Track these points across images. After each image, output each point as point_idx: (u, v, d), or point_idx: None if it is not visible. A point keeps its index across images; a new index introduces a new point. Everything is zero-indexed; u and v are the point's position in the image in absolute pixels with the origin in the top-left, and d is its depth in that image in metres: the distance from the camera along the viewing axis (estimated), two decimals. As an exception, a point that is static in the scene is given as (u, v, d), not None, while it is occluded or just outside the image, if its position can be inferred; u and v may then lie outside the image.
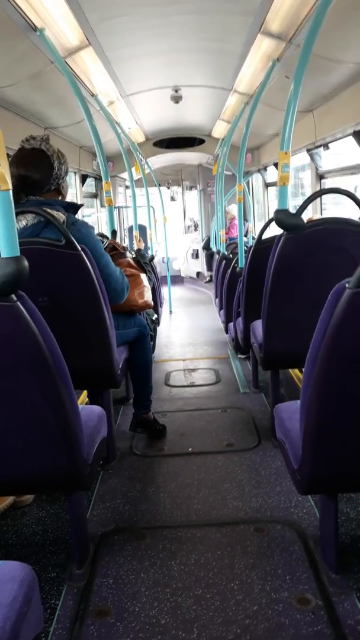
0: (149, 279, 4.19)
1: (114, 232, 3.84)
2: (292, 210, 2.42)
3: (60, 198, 2.31)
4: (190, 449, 2.86)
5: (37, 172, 2.18)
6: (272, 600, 1.70)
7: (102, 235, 3.76)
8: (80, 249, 2.09)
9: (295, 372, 3.94)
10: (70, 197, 6.15)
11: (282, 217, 2.35)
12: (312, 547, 1.95)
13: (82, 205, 2.38)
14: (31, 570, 1.18)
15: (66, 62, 3.26)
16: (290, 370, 3.96)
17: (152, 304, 3.07)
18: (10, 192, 1.35)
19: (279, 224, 2.36)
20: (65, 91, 3.43)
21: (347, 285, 1.29)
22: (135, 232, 5.05)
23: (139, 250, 4.66)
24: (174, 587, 1.80)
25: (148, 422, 3.08)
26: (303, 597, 1.70)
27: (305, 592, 1.73)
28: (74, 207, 2.29)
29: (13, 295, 1.38)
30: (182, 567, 1.89)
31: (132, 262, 2.98)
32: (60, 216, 2.15)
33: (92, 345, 2.34)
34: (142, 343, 2.95)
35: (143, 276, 2.98)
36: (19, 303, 1.39)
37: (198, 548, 1.99)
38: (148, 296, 2.97)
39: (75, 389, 1.67)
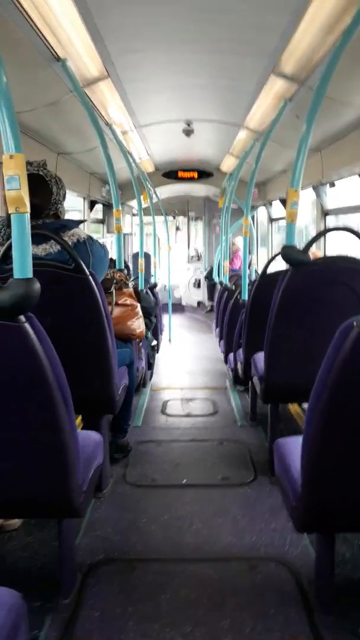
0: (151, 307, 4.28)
1: (113, 261, 3.89)
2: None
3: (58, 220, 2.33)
4: (184, 481, 2.82)
5: (37, 198, 2.17)
6: None
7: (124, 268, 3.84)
8: (88, 273, 2.11)
9: (294, 407, 3.91)
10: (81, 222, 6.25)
11: (289, 252, 2.38)
12: (306, 587, 1.90)
13: (85, 221, 2.45)
14: (20, 597, 1.15)
15: (85, 92, 3.35)
16: (290, 405, 3.93)
17: (144, 334, 3.34)
18: (28, 215, 1.37)
19: (286, 260, 2.39)
20: (80, 119, 3.51)
21: (354, 323, 1.30)
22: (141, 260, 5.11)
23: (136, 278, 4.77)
24: (162, 623, 1.74)
25: (124, 446, 3.16)
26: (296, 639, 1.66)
27: (298, 634, 1.68)
28: (79, 224, 2.36)
29: (22, 317, 1.39)
30: (171, 603, 1.84)
31: (132, 292, 3.17)
32: (82, 235, 2.21)
33: (93, 369, 2.34)
34: (130, 369, 3.04)
35: (139, 307, 3.19)
36: (27, 324, 1.39)
37: (189, 583, 1.94)
38: (143, 327, 3.22)
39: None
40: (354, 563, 2.05)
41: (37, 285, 1.39)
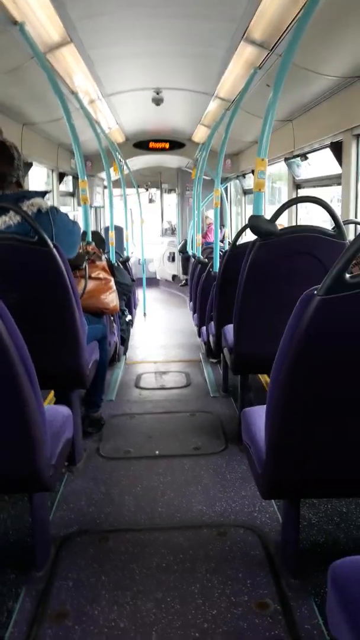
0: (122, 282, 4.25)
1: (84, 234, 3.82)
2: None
3: (19, 190, 2.25)
4: (157, 452, 2.85)
5: (1, 165, 2.12)
6: (232, 604, 1.70)
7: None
8: (52, 245, 2.07)
9: (264, 378, 3.96)
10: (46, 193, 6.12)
11: (256, 223, 2.36)
12: (272, 551, 1.96)
13: (49, 191, 2.36)
14: None
15: (46, 58, 3.22)
16: (260, 375, 3.99)
17: (118, 308, 3.31)
18: None
19: (253, 230, 2.38)
20: (44, 87, 3.39)
21: (315, 292, 1.30)
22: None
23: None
24: (134, 590, 1.78)
25: (97, 420, 3.17)
26: (262, 602, 1.71)
27: (265, 596, 1.73)
28: (43, 194, 2.27)
29: None
30: (143, 571, 1.88)
31: (105, 266, 3.12)
32: (44, 205, 2.13)
33: (61, 344, 2.31)
34: (102, 344, 3.02)
35: (112, 282, 3.14)
36: None
37: (160, 551, 1.98)
38: (117, 301, 3.17)
39: (42, 388, 1.65)
40: (319, 528, 2.11)
41: None
